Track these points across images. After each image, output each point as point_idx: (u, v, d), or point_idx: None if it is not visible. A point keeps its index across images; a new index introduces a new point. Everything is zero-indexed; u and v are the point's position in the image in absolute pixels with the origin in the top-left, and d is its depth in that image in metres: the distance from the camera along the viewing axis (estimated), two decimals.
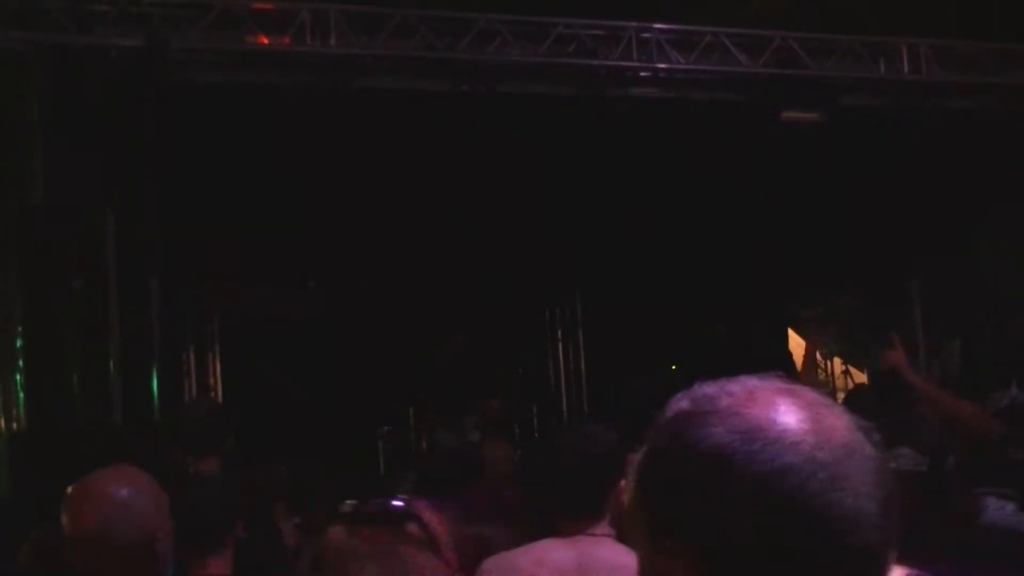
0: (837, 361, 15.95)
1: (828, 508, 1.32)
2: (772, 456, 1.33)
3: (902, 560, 1.39)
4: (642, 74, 10.62)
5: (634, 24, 10.39)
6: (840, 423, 1.39)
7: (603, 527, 3.76)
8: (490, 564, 3.78)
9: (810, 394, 1.43)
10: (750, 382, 1.44)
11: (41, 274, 9.35)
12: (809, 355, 14.12)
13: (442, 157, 11.05)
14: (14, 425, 8.96)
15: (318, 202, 11.51)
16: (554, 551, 3.74)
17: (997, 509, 4.80)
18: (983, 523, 4.75)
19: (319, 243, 12.32)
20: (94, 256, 9.54)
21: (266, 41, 9.58)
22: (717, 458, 1.34)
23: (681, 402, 1.44)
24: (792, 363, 14.80)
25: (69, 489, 3.27)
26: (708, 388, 1.44)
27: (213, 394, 12.75)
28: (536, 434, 13.46)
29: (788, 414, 1.37)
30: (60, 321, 9.40)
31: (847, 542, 1.33)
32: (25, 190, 9.46)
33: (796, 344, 15.90)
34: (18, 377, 9.02)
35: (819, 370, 15.98)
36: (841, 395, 15.03)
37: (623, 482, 3.77)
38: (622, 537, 3.81)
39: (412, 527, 2.64)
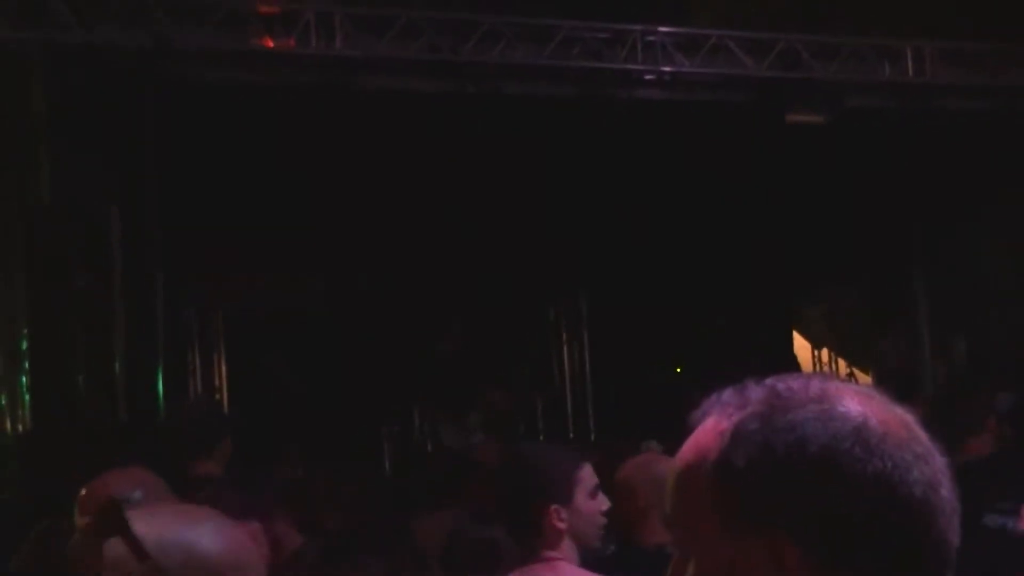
0: (842, 363, 15.95)
1: (930, 503, 1.35)
2: (884, 454, 1.34)
3: None
4: (647, 76, 10.63)
5: (639, 27, 10.40)
6: (915, 420, 1.42)
7: (552, 551, 3.72)
8: None
9: (872, 390, 1.44)
10: (816, 377, 1.44)
11: (45, 273, 9.36)
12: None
13: (447, 157, 11.07)
14: (20, 427, 8.97)
15: (322, 201, 11.53)
16: None
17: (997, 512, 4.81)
18: (986, 525, 4.76)
19: (323, 241, 12.34)
20: (98, 255, 9.55)
21: (271, 43, 9.59)
22: (831, 456, 1.34)
23: (753, 394, 1.42)
24: (797, 365, 14.80)
25: (82, 491, 3.28)
26: (783, 382, 1.43)
27: (219, 396, 12.74)
28: (540, 432, 13.49)
29: (879, 410, 1.39)
30: (64, 321, 9.41)
31: (944, 536, 1.37)
32: (29, 189, 9.48)
33: (801, 347, 15.91)
34: (23, 379, 9.03)
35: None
36: None
37: (553, 507, 3.76)
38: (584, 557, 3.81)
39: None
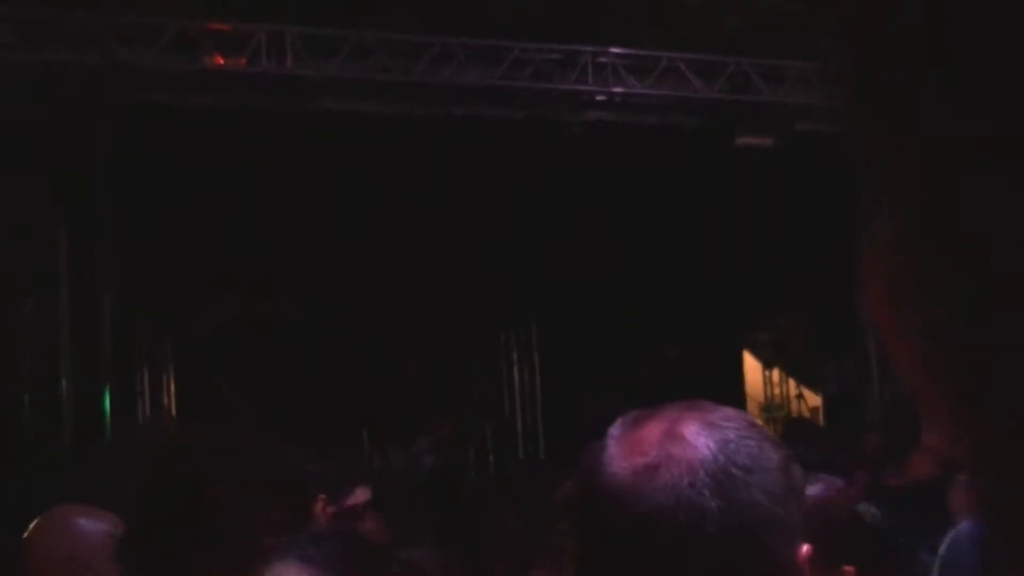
0: (791, 384, 16.03)
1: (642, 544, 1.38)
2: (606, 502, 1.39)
3: None
4: (597, 98, 10.65)
5: (589, 48, 10.42)
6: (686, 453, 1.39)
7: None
8: None
9: (699, 421, 1.42)
10: (664, 411, 1.45)
11: None
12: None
13: (397, 180, 11.04)
14: None
15: (274, 223, 11.48)
16: None
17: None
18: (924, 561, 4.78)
19: (275, 264, 12.28)
20: (46, 275, 9.47)
21: (221, 62, 9.55)
22: (590, 497, 1.44)
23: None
24: (743, 386, 14.89)
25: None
26: (620, 420, 1.48)
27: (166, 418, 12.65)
28: (491, 457, 13.47)
29: (643, 447, 1.40)
30: (10, 342, 9.32)
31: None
32: None
33: (751, 367, 15.97)
34: None
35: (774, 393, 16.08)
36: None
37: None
38: None
39: None
